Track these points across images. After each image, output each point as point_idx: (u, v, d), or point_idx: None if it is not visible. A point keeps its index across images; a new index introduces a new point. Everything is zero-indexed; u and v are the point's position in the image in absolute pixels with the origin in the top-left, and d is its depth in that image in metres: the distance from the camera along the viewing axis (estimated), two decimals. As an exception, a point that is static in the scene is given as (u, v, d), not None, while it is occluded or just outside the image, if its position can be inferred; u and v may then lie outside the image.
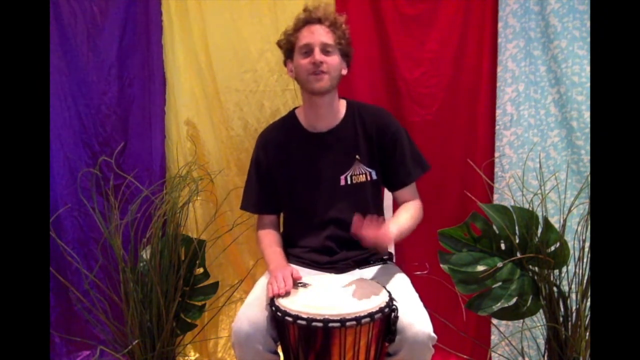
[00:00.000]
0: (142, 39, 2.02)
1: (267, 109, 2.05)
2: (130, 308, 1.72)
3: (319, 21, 1.55)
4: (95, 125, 2.04)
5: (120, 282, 1.75)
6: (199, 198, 1.98)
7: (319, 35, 1.53)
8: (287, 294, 1.37)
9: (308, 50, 1.53)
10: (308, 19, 1.56)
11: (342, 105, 1.64)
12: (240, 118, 2.06)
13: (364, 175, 1.60)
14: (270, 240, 1.63)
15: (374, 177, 1.61)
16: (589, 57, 1.81)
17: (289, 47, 1.59)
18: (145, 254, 1.78)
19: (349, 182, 1.60)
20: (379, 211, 1.67)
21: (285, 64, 1.64)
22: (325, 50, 1.53)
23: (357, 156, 1.60)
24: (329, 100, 1.59)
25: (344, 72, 1.61)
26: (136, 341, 1.73)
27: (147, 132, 2.04)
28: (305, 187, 1.61)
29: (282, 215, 1.73)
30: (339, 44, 1.56)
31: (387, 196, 1.75)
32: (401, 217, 1.54)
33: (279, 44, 1.63)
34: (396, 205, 1.70)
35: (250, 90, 2.05)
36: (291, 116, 1.68)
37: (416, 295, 1.46)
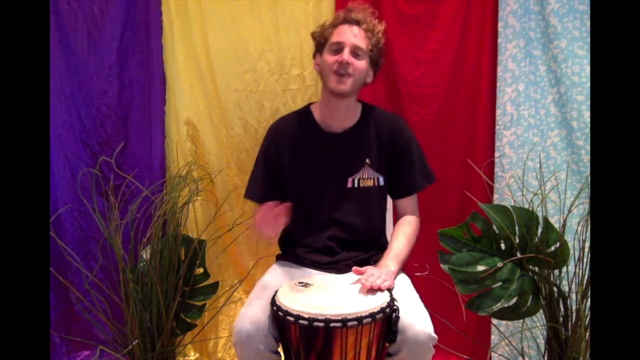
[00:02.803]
0: (142, 39, 2.02)
1: (267, 109, 2.05)
2: (130, 308, 1.72)
3: (357, 23, 1.54)
4: (95, 125, 2.04)
5: (120, 282, 1.75)
6: (199, 198, 1.98)
7: (353, 36, 1.52)
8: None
9: (338, 49, 1.52)
10: (347, 18, 1.55)
11: (358, 108, 1.63)
12: (240, 118, 2.06)
13: (371, 180, 1.60)
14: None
15: (382, 183, 1.61)
16: (589, 57, 1.81)
17: (321, 40, 1.58)
18: (145, 254, 1.78)
19: (355, 185, 1.59)
20: (382, 218, 1.67)
21: (314, 55, 1.63)
22: (355, 53, 1.52)
23: (367, 160, 1.59)
24: (346, 103, 1.58)
25: (369, 80, 1.59)
26: (136, 341, 1.73)
27: (147, 132, 2.04)
28: (312, 185, 1.61)
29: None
30: (370, 50, 1.54)
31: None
32: (398, 246, 1.53)
33: (313, 35, 1.62)
34: (395, 213, 1.69)
35: (250, 90, 2.05)
36: (306, 111, 1.66)
37: (417, 295, 1.46)
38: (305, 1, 1.98)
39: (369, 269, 1.42)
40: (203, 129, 2.07)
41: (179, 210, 1.81)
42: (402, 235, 1.57)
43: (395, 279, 1.46)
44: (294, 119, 1.68)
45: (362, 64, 1.53)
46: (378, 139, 1.60)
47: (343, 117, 1.60)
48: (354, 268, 1.44)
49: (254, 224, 1.46)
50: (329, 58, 1.53)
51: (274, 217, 1.42)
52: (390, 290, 1.39)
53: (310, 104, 1.69)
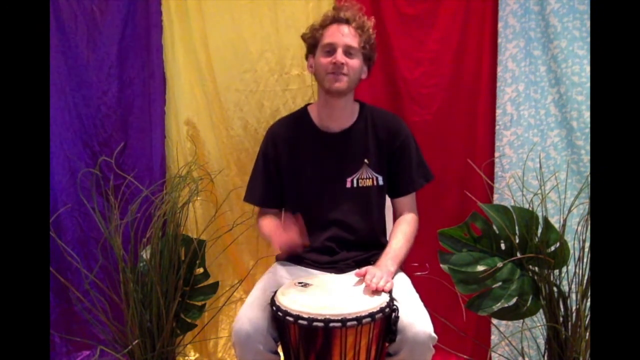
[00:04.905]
0: (142, 39, 2.02)
1: (267, 109, 2.05)
2: (130, 308, 1.72)
3: (347, 22, 1.54)
4: (95, 125, 2.04)
5: (120, 282, 1.75)
6: (199, 198, 1.98)
7: (345, 36, 1.52)
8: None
9: (331, 50, 1.52)
10: (336, 18, 1.55)
11: (356, 108, 1.63)
12: (240, 118, 2.06)
13: (370, 180, 1.60)
14: (269, 220, 1.61)
15: (381, 182, 1.61)
16: (589, 57, 1.81)
17: (312, 42, 1.58)
18: (145, 254, 1.78)
19: (354, 185, 1.59)
20: (381, 217, 1.67)
21: (306, 57, 1.63)
22: (348, 52, 1.52)
23: (365, 160, 1.59)
24: (344, 102, 1.58)
25: (364, 76, 1.60)
26: (136, 341, 1.73)
27: (147, 132, 2.04)
28: (311, 186, 1.61)
29: (283, 212, 1.73)
30: (363, 47, 1.54)
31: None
32: (397, 246, 1.54)
33: (303, 37, 1.62)
34: (394, 212, 1.69)
35: (250, 90, 2.05)
36: (303, 113, 1.67)
37: (416, 295, 1.46)
38: (305, 1, 1.99)
39: (370, 270, 1.42)
40: (203, 129, 2.07)
41: (179, 210, 1.81)
42: (400, 234, 1.57)
43: (393, 279, 1.46)
44: (291, 120, 1.68)
45: (356, 62, 1.54)
46: (376, 139, 1.60)
47: (341, 117, 1.60)
48: (356, 272, 1.43)
49: (272, 242, 1.46)
50: (322, 60, 1.54)
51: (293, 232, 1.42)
52: (389, 290, 1.39)
53: (308, 105, 1.69)
